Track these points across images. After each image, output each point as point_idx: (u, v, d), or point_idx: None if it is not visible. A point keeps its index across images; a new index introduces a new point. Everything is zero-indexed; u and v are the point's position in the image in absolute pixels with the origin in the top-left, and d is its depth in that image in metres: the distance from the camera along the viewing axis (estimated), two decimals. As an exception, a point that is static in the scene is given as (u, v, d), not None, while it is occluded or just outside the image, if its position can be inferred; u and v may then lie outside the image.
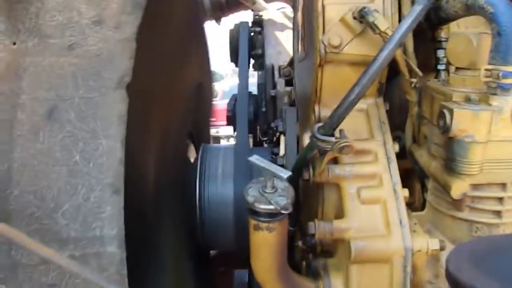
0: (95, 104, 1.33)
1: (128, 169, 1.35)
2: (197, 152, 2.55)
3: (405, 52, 1.58)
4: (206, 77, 2.85)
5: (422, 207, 1.76)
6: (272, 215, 1.32)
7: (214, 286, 2.89)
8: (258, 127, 2.76)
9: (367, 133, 1.64)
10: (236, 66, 2.98)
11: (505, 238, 1.21)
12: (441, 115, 1.41)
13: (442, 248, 1.48)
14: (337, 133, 1.45)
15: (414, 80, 1.57)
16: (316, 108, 1.69)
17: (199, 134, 2.69)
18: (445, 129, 1.39)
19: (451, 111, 1.36)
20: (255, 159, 1.32)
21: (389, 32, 1.46)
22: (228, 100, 2.89)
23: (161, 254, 1.87)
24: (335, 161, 1.58)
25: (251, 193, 1.31)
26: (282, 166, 2.08)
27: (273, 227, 1.34)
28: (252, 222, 1.34)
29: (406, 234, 1.46)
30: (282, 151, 2.31)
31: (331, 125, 1.41)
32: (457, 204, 1.51)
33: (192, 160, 2.42)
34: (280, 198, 1.30)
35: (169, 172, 1.99)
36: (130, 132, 1.36)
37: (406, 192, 1.54)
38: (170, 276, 1.95)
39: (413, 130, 1.72)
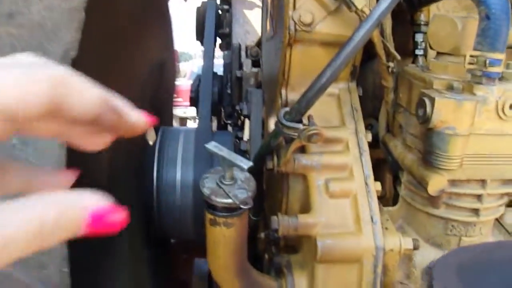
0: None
1: (75, 154, 1.18)
2: (156, 135, 2.37)
3: (382, 33, 1.42)
4: (168, 56, 2.65)
5: (394, 201, 1.63)
6: (231, 210, 1.16)
7: (176, 273, 2.73)
8: (222, 110, 2.58)
9: (338, 120, 1.49)
10: (202, 45, 2.79)
11: (491, 248, 1.07)
12: (421, 104, 1.26)
13: (415, 248, 1.35)
14: (305, 120, 1.29)
15: (391, 64, 1.42)
16: (283, 91, 1.52)
17: (160, 116, 2.49)
18: (425, 119, 1.24)
19: (432, 100, 1.21)
20: (212, 146, 1.15)
21: (367, 11, 1.31)
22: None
23: (114, 244, 1.69)
24: (302, 149, 1.42)
25: (207, 185, 1.15)
26: (245, 151, 1.92)
27: (231, 223, 1.18)
28: (208, 216, 1.18)
29: (378, 232, 1.32)
30: (246, 136, 2.15)
31: (299, 110, 1.25)
32: (433, 200, 1.37)
33: (151, 143, 2.23)
34: (240, 191, 1.14)
35: (124, 156, 1.81)
36: None
37: (378, 186, 1.40)
38: (125, 266, 1.78)
39: (387, 118, 1.57)
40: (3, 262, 0.38)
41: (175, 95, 3.15)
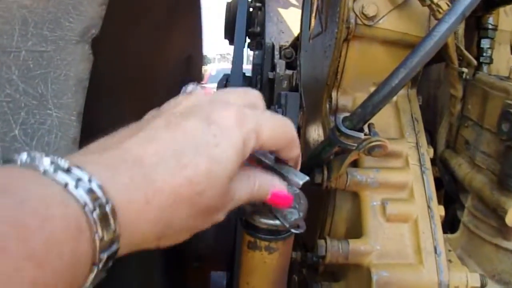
0: (48, 61, 0.92)
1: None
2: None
3: (454, 34, 1.18)
4: (196, 53, 2.41)
5: (444, 227, 1.39)
6: (276, 232, 0.92)
7: (187, 283, 2.49)
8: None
9: (396, 132, 1.25)
10: (230, 43, 2.56)
11: None
12: (506, 118, 1.03)
13: (483, 286, 1.11)
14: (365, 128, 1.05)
15: (465, 70, 1.18)
16: (334, 94, 1.28)
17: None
18: (510, 136, 1.00)
19: (523, 114, 0.97)
20: (260, 154, 0.91)
21: (443, 5, 1.07)
22: (216, 83, 2.47)
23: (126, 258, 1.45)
24: (353, 163, 1.19)
25: (250, 200, 0.91)
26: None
27: (274, 248, 0.94)
28: (247, 238, 0.95)
29: (442, 266, 1.08)
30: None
31: (362, 117, 1.01)
32: (505, 231, 1.13)
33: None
34: (290, 211, 0.90)
35: None
36: (94, 104, 0.95)
37: (441, 210, 1.16)
38: (135, 276, 1.55)
39: (449, 132, 1.32)
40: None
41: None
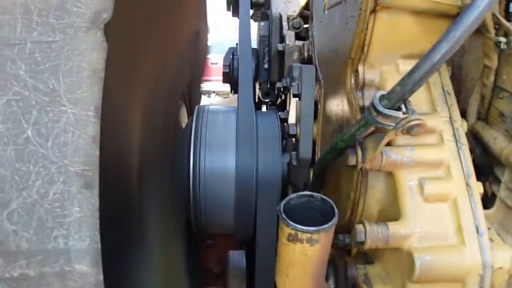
0: (57, 52, 0.83)
1: (107, 147, 0.88)
2: (189, 115, 2.03)
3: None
4: (202, 27, 2.29)
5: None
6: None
7: (201, 261, 2.43)
8: (258, 87, 2.24)
9: (427, 106, 1.17)
10: (233, 15, 2.44)
11: None
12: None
13: (526, 264, 1.04)
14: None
15: (502, 39, 1.09)
16: (360, 69, 1.19)
17: (192, 93, 2.16)
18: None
19: None
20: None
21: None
22: (214, 54, 2.36)
23: (146, 238, 1.39)
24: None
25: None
26: (295, 136, 1.59)
27: (317, 239, 0.87)
28: (286, 230, 0.87)
29: (485, 246, 1.02)
30: (292, 117, 1.82)
31: (402, 95, 0.93)
32: (545, 205, 1.06)
33: (183, 125, 1.89)
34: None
35: (157, 139, 1.48)
36: (109, 94, 0.88)
37: (480, 187, 1.09)
38: (157, 261, 1.48)
39: (480, 104, 1.24)
40: None
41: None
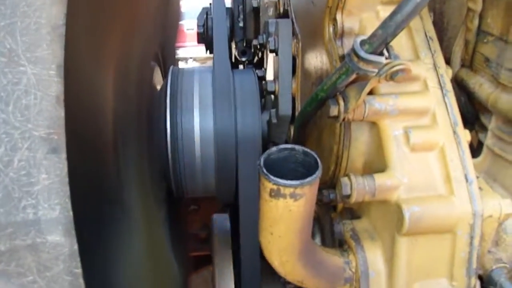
0: (13, 9, 0.75)
1: (78, 111, 0.82)
2: (164, 77, 1.95)
3: None
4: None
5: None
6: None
7: (185, 226, 2.39)
8: (234, 46, 2.17)
9: (410, 53, 1.11)
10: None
11: None
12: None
13: (516, 211, 1.01)
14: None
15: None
16: (338, 17, 1.12)
17: (166, 54, 2.07)
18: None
19: None
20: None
21: None
22: (189, 19, 2.27)
23: (125, 208, 1.33)
24: (368, 91, 1.05)
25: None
26: (273, 92, 1.53)
27: (301, 194, 0.82)
28: (268, 185, 0.82)
29: (474, 194, 0.98)
30: (269, 74, 1.76)
31: (384, 38, 0.87)
32: (534, 151, 1.02)
33: (158, 87, 1.82)
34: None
35: (131, 103, 1.41)
36: (78, 57, 0.84)
37: (468, 135, 1.05)
38: (139, 229, 1.43)
39: (465, 50, 1.19)
40: None
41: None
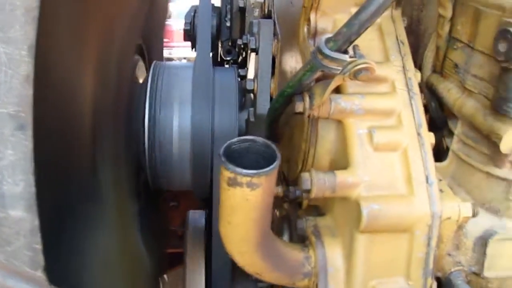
0: None
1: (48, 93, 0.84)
2: (147, 70, 1.98)
3: None
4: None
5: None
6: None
7: (165, 223, 2.40)
8: (220, 45, 2.20)
9: (380, 55, 1.14)
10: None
11: None
12: (503, 37, 0.93)
13: (474, 215, 1.04)
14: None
15: (454, -14, 1.07)
16: (312, 17, 1.16)
17: (151, 49, 2.10)
18: (509, 57, 0.91)
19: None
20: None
21: None
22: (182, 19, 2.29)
23: (97, 197, 1.35)
24: (336, 90, 1.08)
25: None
26: (252, 91, 1.56)
27: (257, 183, 0.85)
28: (226, 174, 0.85)
29: (434, 196, 1.01)
30: (251, 73, 1.79)
31: (348, 37, 0.90)
32: (496, 158, 1.05)
33: (141, 80, 1.85)
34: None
35: (111, 95, 1.43)
36: (47, 35, 0.85)
37: (432, 137, 1.08)
38: (110, 221, 1.44)
39: (436, 56, 1.22)
40: None
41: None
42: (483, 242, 1.08)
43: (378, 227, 0.98)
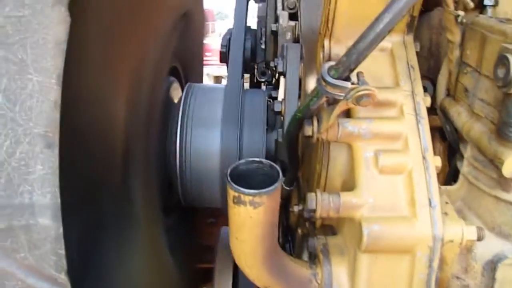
0: (26, 26, 0.92)
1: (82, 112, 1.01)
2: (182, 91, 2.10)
3: (450, -25, 1.11)
4: (195, 8, 2.34)
5: (448, 178, 1.34)
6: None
7: (201, 238, 2.50)
8: (256, 67, 2.29)
9: (390, 80, 1.19)
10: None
11: None
12: (501, 62, 0.97)
13: (480, 238, 1.07)
14: (353, 77, 1.01)
15: (460, 13, 1.11)
16: (326, 43, 1.23)
17: (187, 71, 2.22)
18: (506, 82, 0.95)
19: (517, 58, 0.91)
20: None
21: None
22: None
23: (130, 216, 1.45)
24: (347, 114, 1.15)
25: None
26: (279, 112, 1.64)
27: (259, 202, 0.92)
28: (231, 193, 0.93)
29: (436, 218, 1.05)
30: (281, 95, 1.86)
31: (348, 65, 0.96)
32: (504, 182, 1.08)
33: (176, 101, 1.97)
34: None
35: (143, 115, 1.55)
36: (76, 64, 0.98)
37: (438, 161, 1.12)
38: (143, 239, 1.55)
39: (448, 80, 1.26)
40: None
41: (205, 51, 2.85)
42: (492, 266, 1.10)
43: (379, 247, 1.03)
